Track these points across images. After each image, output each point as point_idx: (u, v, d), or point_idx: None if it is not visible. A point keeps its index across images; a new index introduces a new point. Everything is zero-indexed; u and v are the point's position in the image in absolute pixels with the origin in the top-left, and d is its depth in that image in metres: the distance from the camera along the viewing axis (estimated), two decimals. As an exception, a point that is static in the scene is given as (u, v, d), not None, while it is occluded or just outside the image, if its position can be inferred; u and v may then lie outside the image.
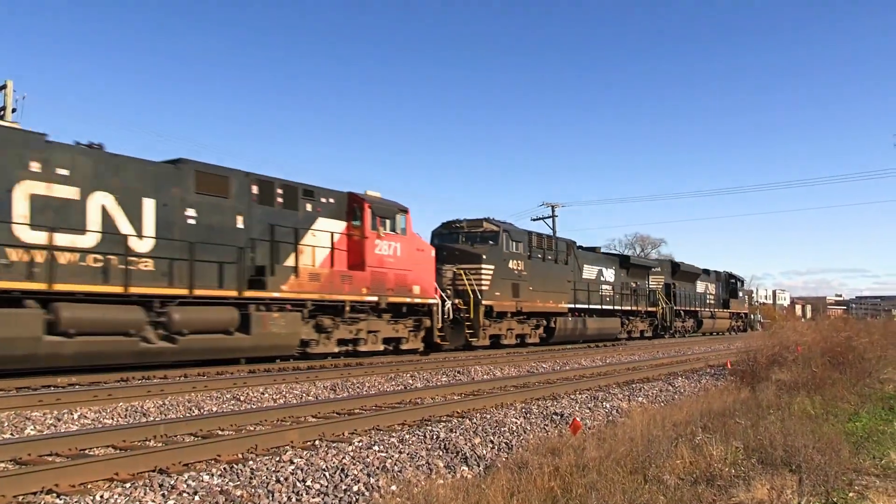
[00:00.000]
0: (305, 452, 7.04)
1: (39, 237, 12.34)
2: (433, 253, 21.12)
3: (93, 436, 7.42)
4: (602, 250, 28.38)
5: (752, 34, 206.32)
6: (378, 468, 6.62)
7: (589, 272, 30.79)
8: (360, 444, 7.53)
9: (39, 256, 12.26)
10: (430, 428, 8.55)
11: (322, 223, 17.73)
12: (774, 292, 64.53)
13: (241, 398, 11.25)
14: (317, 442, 7.69)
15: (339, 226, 18.20)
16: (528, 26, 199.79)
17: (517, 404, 10.86)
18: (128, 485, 5.66)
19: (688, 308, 41.20)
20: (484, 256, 23.39)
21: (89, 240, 13.16)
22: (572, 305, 28.54)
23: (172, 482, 5.75)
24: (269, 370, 15.26)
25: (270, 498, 5.61)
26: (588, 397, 11.96)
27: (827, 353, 14.25)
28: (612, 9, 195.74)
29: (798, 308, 71.12)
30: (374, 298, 18.40)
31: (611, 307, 32.04)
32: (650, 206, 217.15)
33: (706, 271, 45.70)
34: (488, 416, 9.53)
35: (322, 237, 17.58)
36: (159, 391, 11.36)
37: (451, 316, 21.56)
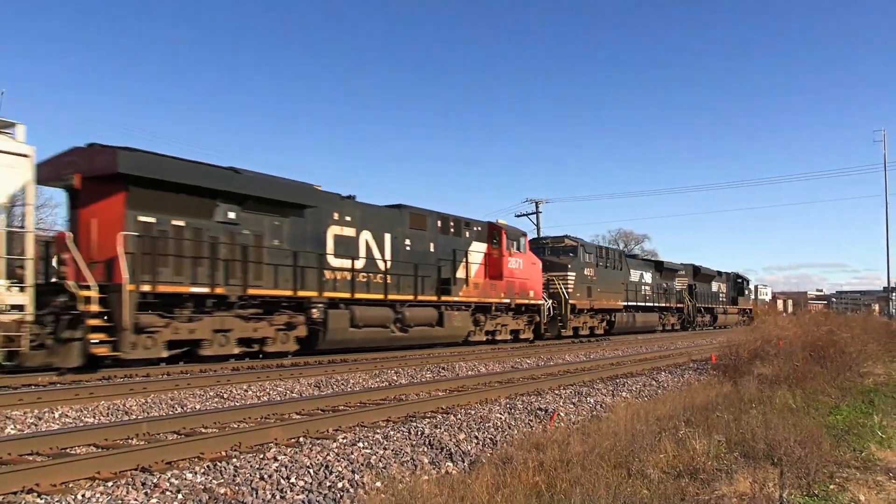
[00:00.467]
0: (290, 450, 7.02)
1: (341, 262, 18.46)
2: (540, 265, 27.09)
3: (74, 434, 7.36)
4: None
5: (731, 30, 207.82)
6: (362, 465, 6.61)
7: (634, 276, 36.69)
8: (345, 440, 7.52)
9: (340, 275, 18.35)
10: (414, 424, 8.55)
11: (475, 245, 23.67)
12: (757, 287, 66.88)
13: (225, 396, 11.20)
14: (301, 439, 7.67)
15: (484, 247, 24.10)
16: (510, 22, 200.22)
17: (502, 400, 10.89)
18: (110, 483, 5.62)
19: (706, 305, 47.16)
20: (569, 266, 29.68)
21: (360, 263, 19.05)
22: (625, 303, 34.57)
23: (155, 480, 5.72)
24: (252, 368, 15.20)
25: (254, 495, 5.59)
26: (572, 392, 12.01)
27: (808, 348, 14.38)
28: (597, 4, 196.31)
29: (780, 303, 72.08)
30: (508, 301, 24.78)
31: (651, 304, 38.42)
32: (633, 202, 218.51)
33: (719, 273, 50.84)
34: (473, 412, 9.54)
35: (476, 256, 23.51)
36: (142, 389, 11.28)
37: (552, 313, 27.74)
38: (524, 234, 26.45)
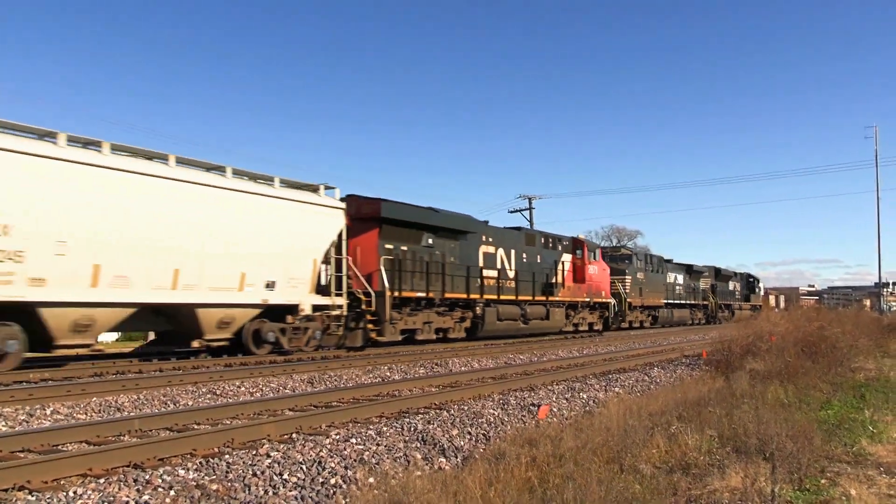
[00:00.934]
0: (282, 446, 7.01)
1: (488, 273, 24.71)
2: (608, 270, 33.69)
3: (66, 431, 7.34)
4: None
5: (724, 27, 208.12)
6: (355, 461, 6.61)
7: (670, 278, 43.27)
8: (338, 436, 7.51)
9: (488, 282, 24.53)
10: (407, 420, 8.55)
11: (565, 256, 30.16)
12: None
13: (218, 392, 11.18)
14: (294, 435, 7.66)
15: (570, 257, 30.57)
16: (503, 18, 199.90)
17: (495, 395, 10.90)
18: (101, 480, 5.60)
19: (725, 302, 53.52)
20: (626, 271, 36.48)
21: (494, 273, 25.09)
22: (665, 301, 41.47)
23: (147, 477, 5.70)
24: (245, 364, 15.17)
25: (247, 492, 5.58)
26: (565, 388, 12.03)
27: (800, 343, 14.43)
28: (590, 1, 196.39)
29: (772, 298, 73.09)
30: (588, 299, 31.44)
31: (683, 302, 45.22)
32: (626, 198, 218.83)
33: (735, 273, 57.75)
34: (466, 408, 9.55)
35: (567, 264, 30.10)
36: (134, 386, 11.25)
37: (617, 309, 34.56)
38: (598, 247, 35.42)
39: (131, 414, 9.14)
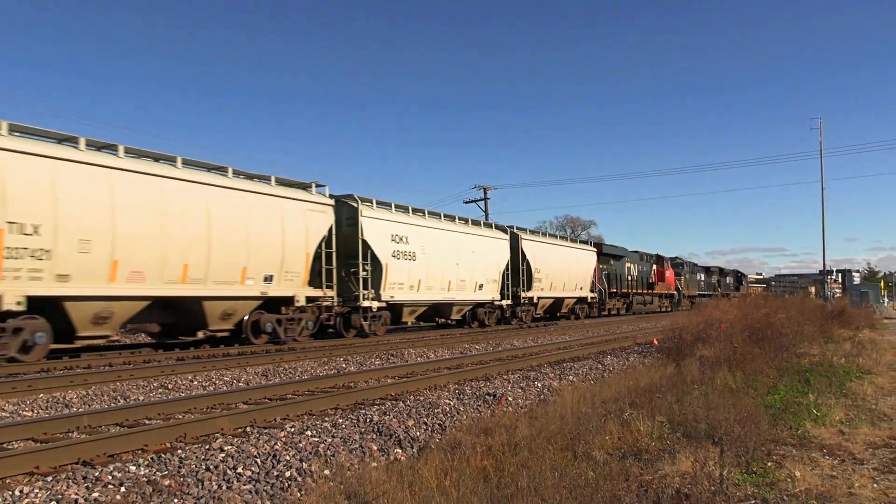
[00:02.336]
0: (236, 439, 6.94)
1: (631, 279, 45.23)
2: (673, 273, 53.23)
3: (11, 429, 7.14)
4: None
5: (672, 19, 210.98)
6: (311, 453, 6.58)
7: (699, 277, 62.78)
8: (293, 429, 7.46)
9: (630, 283, 45.40)
10: (363, 411, 8.54)
11: (654, 266, 49.11)
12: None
13: (170, 386, 11.01)
14: (248, 428, 7.60)
15: (656, 266, 48.94)
16: (452, 6, 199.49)
17: (451, 386, 10.94)
18: (49, 478, 5.48)
19: (724, 291, 64.58)
20: (680, 273, 56.03)
21: (630, 278, 44.87)
22: (698, 292, 59.32)
23: (97, 474, 5.59)
24: (198, 357, 14.97)
25: (200, 486, 5.52)
26: (520, 377, 12.13)
27: (747, 330, 14.78)
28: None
29: (752, 290, 77.17)
30: (665, 292, 50.62)
31: (706, 292, 61.00)
32: (580, 188, 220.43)
33: (731, 271, 76.25)
34: (422, 399, 9.57)
35: (654, 270, 48.92)
36: (83, 381, 11.02)
37: (677, 298, 53.85)
38: (667, 259, 52.67)
39: (80, 410, 8.94)
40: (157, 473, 5.73)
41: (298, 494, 5.44)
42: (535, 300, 31.19)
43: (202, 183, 16.23)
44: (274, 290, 18.00)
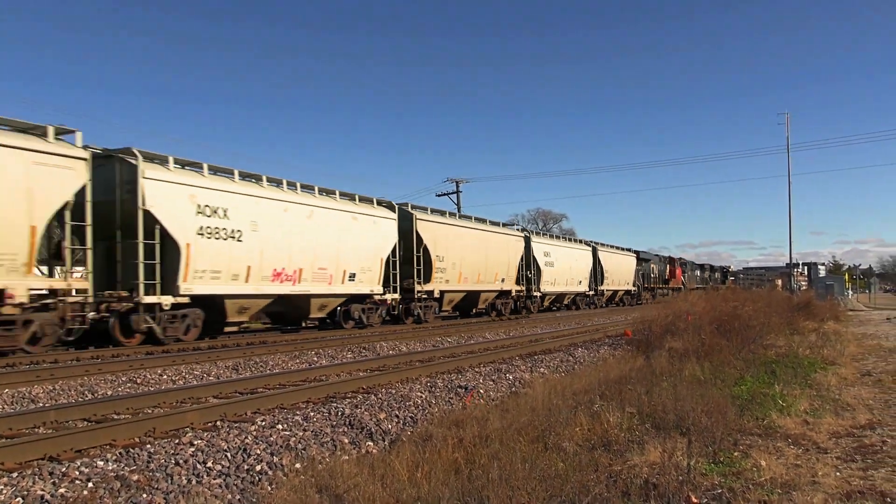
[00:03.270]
0: (206, 434, 6.89)
1: (653, 275, 58.34)
2: (681, 271, 65.62)
3: (-25, 425, 7.03)
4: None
5: (643, 12, 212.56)
6: (282, 447, 6.55)
7: (696, 273, 73.46)
8: (264, 423, 7.43)
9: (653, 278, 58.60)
10: (335, 405, 8.52)
11: (668, 266, 61.94)
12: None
13: (139, 381, 10.89)
14: (218, 423, 7.54)
15: (671, 266, 62.51)
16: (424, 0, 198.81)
17: (423, 379, 10.95)
18: (14, 474, 5.40)
19: (714, 285, 69.91)
20: (685, 270, 67.10)
21: (653, 276, 58.64)
22: (696, 285, 64.74)
23: (64, 470, 5.52)
24: (167, 351, 14.81)
25: (169, 481, 5.47)
26: (492, 370, 12.18)
27: (715, 322, 14.98)
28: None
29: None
30: (675, 285, 60.17)
31: (701, 285, 65.68)
32: (552, 182, 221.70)
33: (718, 267, 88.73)
34: (394, 391, 9.57)
35: (669, 269, 62.54)
36: (49, 376, 10.87)
37: (683, 290, 57.05)
38: (676, 259, 64.20)
39: (46, 405, 8.82)
40: (126, 469, 5.67)
41: (269, 488, 5.42)
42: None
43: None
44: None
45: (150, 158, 15.92)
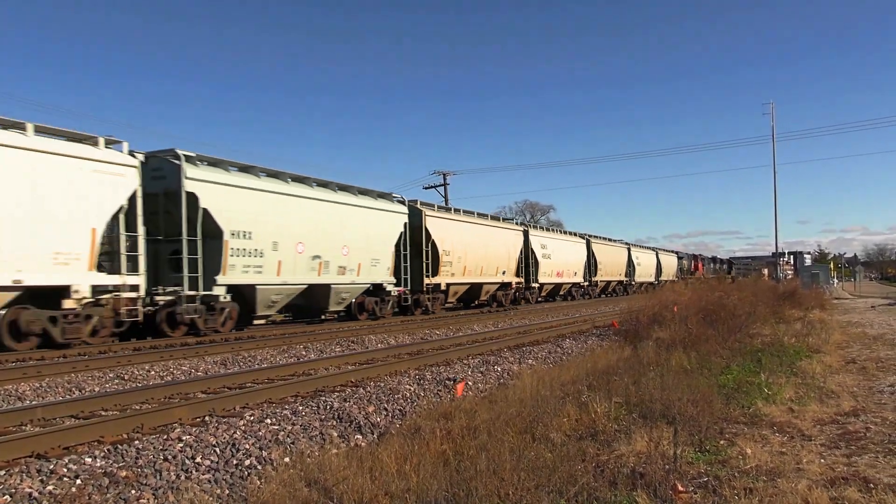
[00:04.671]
0: (195, 429, 6.89)
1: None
2: (703, 264, 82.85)
3: (-39, 423, 7.00)
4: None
5: (628, 5, 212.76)
6: (270, 441, 6.56)
7: (711, 265, 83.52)
8: (252, 417, 7.43)
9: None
10: (323, 399, 8.53)
11: (693, 261, 79.86)
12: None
13: (126, 377, 10.86)
14: (206, 418, 7.53)
15: (695, 261, 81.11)
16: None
17: (411, 372, 10.98)
18: (2, 472, 5.38)
19: (723, 275, 74.39)
20: (705, 264, 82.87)
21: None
22: (711, 275, 68.69)
23: (52, 467, 5.51)
24: (155, 347, 14.77)
25: (158, 477, 5.47)
26: (480, 362, 12.22)
27: (701, 312, 15.07)
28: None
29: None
30: (698, 276, 66.61)
31: (714, 275, 69.83)
32: (539, 173, 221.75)
33: (726, 259, 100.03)
34: (382, 385, 9.59)
35: (692, 263, 79.83)
36: (36, 373, 10.82)
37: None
38: (698, 255, 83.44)
39: (33, 402, 8.78)
40: (114, 465, 5.67)
41: (259, 483, 5.43)
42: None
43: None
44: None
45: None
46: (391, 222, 24.32)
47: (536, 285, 36.42)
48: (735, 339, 13.58)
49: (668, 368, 9.89)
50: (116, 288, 15.24)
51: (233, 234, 17.32)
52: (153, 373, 11.29)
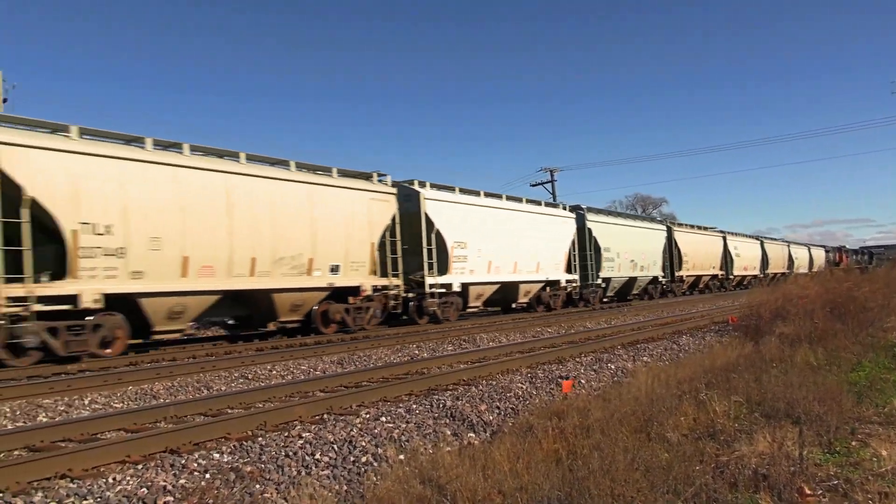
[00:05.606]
0: (314, 427, 7.13)
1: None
2: (846, 256, 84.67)
3: (104, 420, 7.53)
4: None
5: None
6: (385, 439, 6.71)
7: (854, 256, 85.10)
8: (368, 415, 7.62)
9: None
10: (436, 397, 8.64)
11: (838, 253, 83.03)
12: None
13: (250, 376, 11.37)
14: (325, 416, 7.78)
15: (838, 253, 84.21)
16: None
17: (523, 370, 10.96)
18: (139, 466, 5.75)
19: (863, 265, 70.81)
20: (847, 255, 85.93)
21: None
22: (855, 266, 59.20)
23: (183, 462, 5.85)
24: (276, 348, 15.39)
25: (280, 472, 5.71)
26: (593, 359, 12.06)
27: (828, 305, 14.29)
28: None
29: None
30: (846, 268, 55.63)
31: (858, 266, 61.32)
32: (651, 165, 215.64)
33: (866, 249, 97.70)
34: (494, 383, 9.63)
35: (837, 255, 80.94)
36: (168, 373, 11.48)
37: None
38: (842, 247, 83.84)
39: (166, 401, 9.33)
40: (240, 460, 5.95)
41: (375, 479, 5.57)
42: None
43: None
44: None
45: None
46: (565, 227, 29.04)
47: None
48: (867, 333, 12.79)
49: (792, 365, 9.44)
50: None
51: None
52: (275, 372, 11.77)
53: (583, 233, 30.29)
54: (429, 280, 21.41)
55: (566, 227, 29.06)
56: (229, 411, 8.23)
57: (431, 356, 13.44)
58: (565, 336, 16.43)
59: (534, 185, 52.32)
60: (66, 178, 13.21)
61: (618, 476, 4.65)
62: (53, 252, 13.16)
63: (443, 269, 22.07)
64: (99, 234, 13.44)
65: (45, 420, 8.32)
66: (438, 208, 22.16)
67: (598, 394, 8.69)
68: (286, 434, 6.84)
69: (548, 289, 27.69)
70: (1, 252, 12.51)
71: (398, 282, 20.42)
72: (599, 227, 31.50)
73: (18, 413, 8.64)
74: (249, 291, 16.42)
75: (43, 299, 12.67)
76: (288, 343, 16.25)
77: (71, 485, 5.31)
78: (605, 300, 32.65)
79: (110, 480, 5.38)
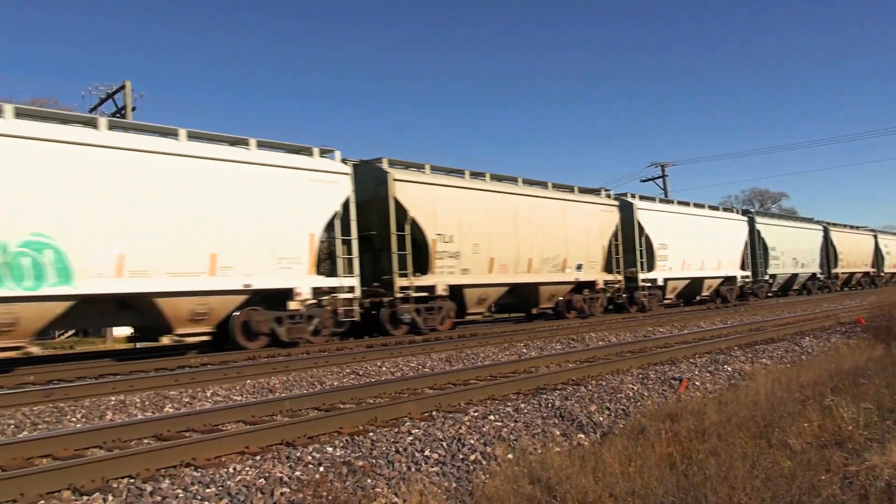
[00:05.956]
0: (423, 423, 7.20)
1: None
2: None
3: (225, 412, 7.87)
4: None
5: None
6: (494, 437, 6.70)
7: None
8: (476, 413, 7.62)
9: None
10: (545, 396, 8.55)
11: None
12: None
13: (360, 372, 11.62)
14: (433, 413, 7.83)
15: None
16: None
17: (633, 370, 10.70)
18: (258, 457, 5.97)
19: None
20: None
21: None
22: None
23: (298, 454, 6.03)
24: (385, 345, 15.67)
25: (391, 468, 5.79)
26: (708, 360, 11.63)
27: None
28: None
29: None
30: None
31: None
32: (768, 158, 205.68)
33: None
34: (604, 383, 9.44)
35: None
36: (284, 368, 11.88)
37: None
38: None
39: (282, 395, 9.67)
40: (352, 455, 6.08)
41: (483, 477, 5.57)
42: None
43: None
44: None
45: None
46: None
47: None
48: None
49: (929, 370, 8.80)
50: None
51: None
52: (384, 369, 11.98)
53: (752, 234, 33.75)
54: (640, 276, 25.53)
55: (740, 229, 32.79)
56: (341, 406, 8.44)
57: (539, 355, 13.33)
58: (678, 336, 15.94)
59: (644, 181, 51.17)
60: (428, 202, 18.39)
61: (737, 484, 4.46)
62: (417, 255, 17.90)
63: (650, 266, 26.17)
64: (446, 242, 18.47)
65: (171, 411, 8.78)
66: (646, 216, 26.35)
67: (714, 396, 8.38)
68: (396, 430, 6.93)
69: (725, 284, 31.12)
70: (397, 255, 17.48)
71: (620, 277, 24.64)
72: (767, 229, 35.30)
73: (147, 403, 9.16)
74: (526, 284, 21.16)
75: (418, 288, 17.68)
76: (397, 341, 16.52)
77: (195, 473, 5.57)
78: (770, 294, 36.24)
79: (231, 470, 5.61)
